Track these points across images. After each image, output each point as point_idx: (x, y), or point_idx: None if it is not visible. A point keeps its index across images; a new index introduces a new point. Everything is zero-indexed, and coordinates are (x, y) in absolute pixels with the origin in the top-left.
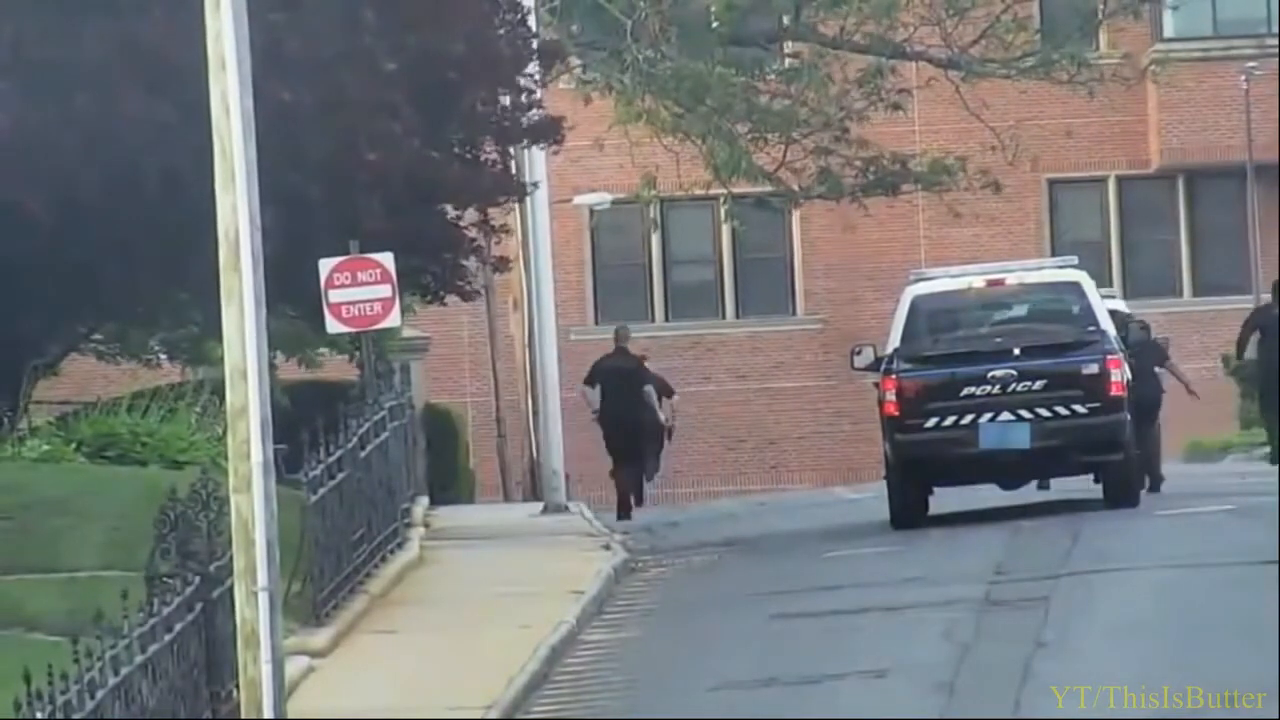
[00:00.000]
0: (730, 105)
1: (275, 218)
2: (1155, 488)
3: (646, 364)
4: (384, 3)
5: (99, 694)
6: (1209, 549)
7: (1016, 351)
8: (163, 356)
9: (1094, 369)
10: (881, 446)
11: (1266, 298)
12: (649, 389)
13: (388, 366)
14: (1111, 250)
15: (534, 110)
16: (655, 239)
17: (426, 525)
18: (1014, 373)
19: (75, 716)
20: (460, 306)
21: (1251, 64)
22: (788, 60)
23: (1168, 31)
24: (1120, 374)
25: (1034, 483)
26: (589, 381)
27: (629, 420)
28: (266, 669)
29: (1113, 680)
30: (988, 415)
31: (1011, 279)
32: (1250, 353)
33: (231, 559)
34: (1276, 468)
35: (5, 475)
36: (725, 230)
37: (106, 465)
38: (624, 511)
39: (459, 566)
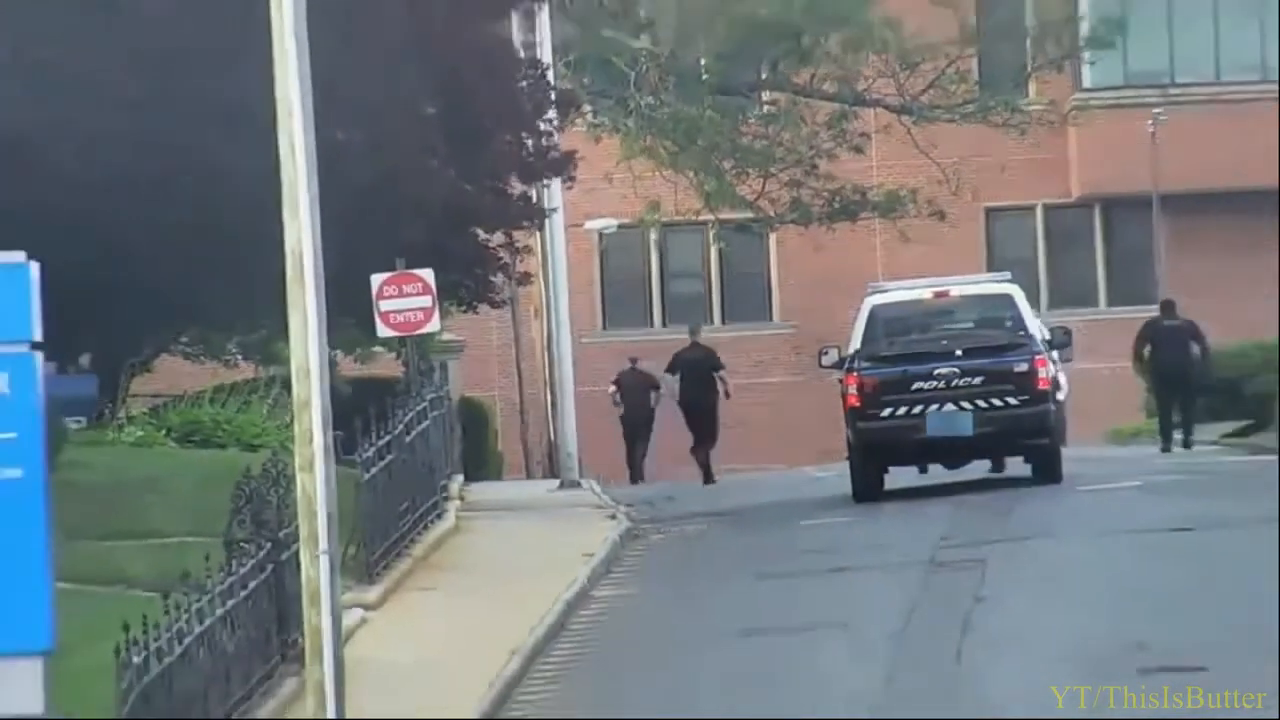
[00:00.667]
0: (718, 144)
1: (332, 239)
2: None
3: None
4: (425, 55)
5: (186, 641)
6: (1122, 520)
7: (959, 352)
8: (239, 356)
9: (1024, 367)
10: (845, 433)
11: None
12: (723, 373)
13: (429, 365)
14: (1039, 267)
15: (551, 150)
16: (654, 257)
17: (461, 499)
18: (957, 370)
19: (165, 659)
20: (490, 314)
21: (1157, 110)
22: (766, 106)
23: (1086, 82)
24: (1046, 371)
25: (989, 466)
26: (670, 370)
27: (704, 402)
28: (327, 620)
29: (1039, 630)
30: (935, 406)
31: (955, 291)
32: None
33: (297, 527)
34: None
35: (107, 457)
36: (713, 250)
37: (192, 449)
38: (709, 479)
39: (489, 534)
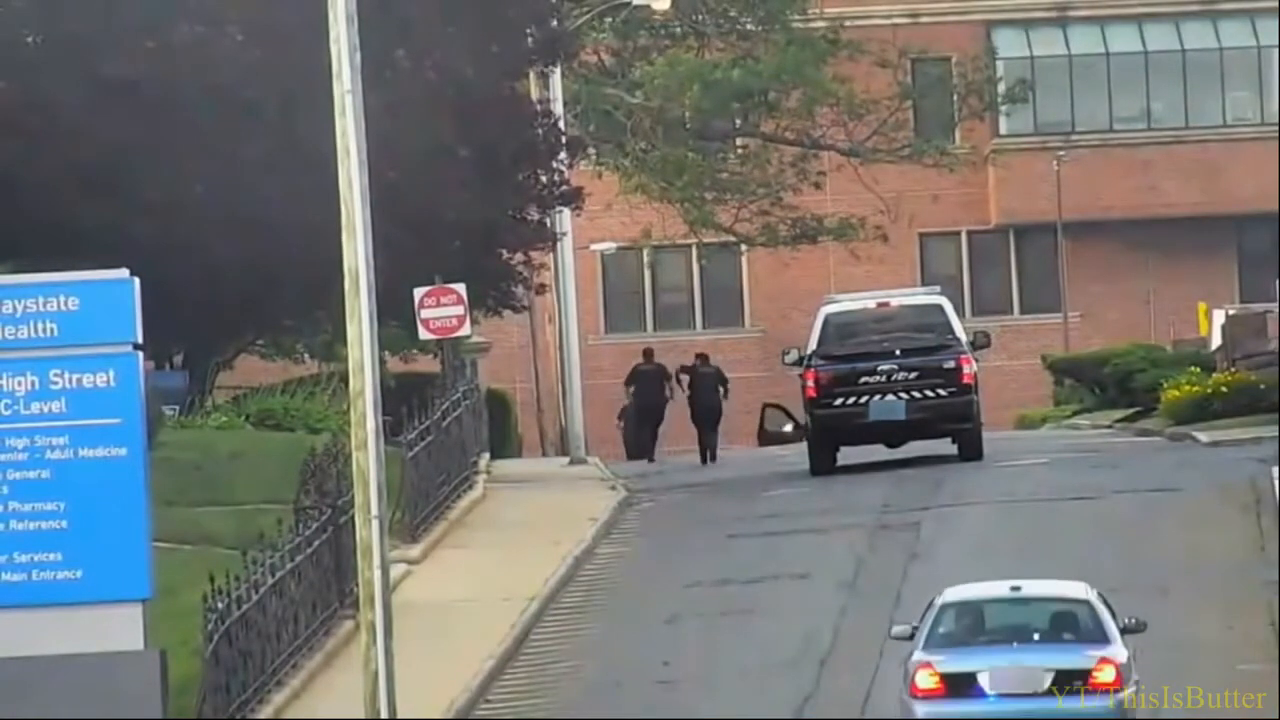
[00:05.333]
0: (699, 180)
1: (383, 259)
2: None
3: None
4: (459, 108)
5: (261, 590)
6: (1033, 490)
7: (897, 352)
8: (305, 356)
9: (951, 364)
10: (804, 418)
11: (1074, 316)
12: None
13: (461, 362)
14: (964, 282)
15: (562, 185)
16: (647, 273)
17: (488, 473)
18: (895, 367)
19: (244, 605)
20: (511, 320)
21: (1060, 153)
22: (739, 150)
23: (1002, 130)
24: (969, 368)
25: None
26: (682, 371)
27: (713, 405)
28: (377, 573)
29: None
30: (876, 396)
31: (894, 302)
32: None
33: (353, 496)
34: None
35: (196, 438)
36: (696, 267)
37: (266, 431)
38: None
39: (511, 501)
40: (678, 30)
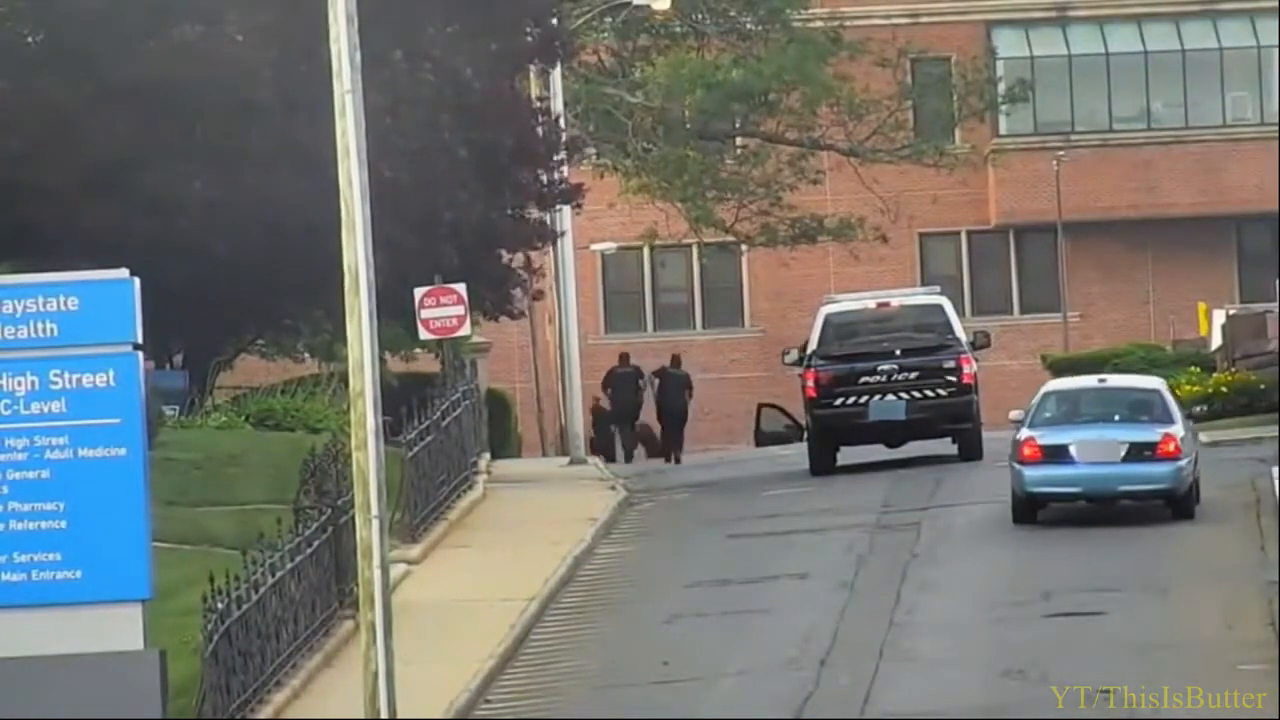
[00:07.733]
0: (700, 180)
1: (383, 259)
2: None
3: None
4: (458, 107)
5: (261, 590)
6: None
7: (897, 352)
8: (305, 355)
9: (951, 364)
10: (804, 418)
11: (1074, 316)
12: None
13: (461, 362)
14: (964, 282)
15: (562, 184)
16: (648, 273)
17: (488, 473)
18: (895, 367)
19: (244, 605)
20: (511, 321)
21: (1060, 153)
22: (739, 150)
23: (1002, 130)
24: (970, 368)
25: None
26: (655, 374)
27: (676, 406)
28: (377, 573)
29: (964, 580)
30: (876, 396)
31: (894, 302)
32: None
33: (353, 496)
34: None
35: (196, 438)
36: (696, 267)
37: (266, 431)
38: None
39: (511, 501)
40: (678, 30)
